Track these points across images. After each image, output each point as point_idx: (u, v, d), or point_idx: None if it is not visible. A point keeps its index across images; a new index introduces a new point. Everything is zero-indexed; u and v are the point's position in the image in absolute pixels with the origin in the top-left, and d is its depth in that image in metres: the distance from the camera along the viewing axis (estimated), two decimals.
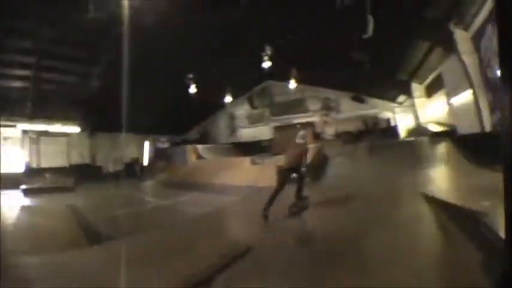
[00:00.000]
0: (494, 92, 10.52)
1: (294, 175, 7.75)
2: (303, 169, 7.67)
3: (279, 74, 21.76)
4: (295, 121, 24.91)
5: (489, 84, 10.60)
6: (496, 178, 6.97)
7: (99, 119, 20.61)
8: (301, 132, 7.95)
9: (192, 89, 19.93)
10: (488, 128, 10.85)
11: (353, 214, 6.95)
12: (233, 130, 28.17)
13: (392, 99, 23.69)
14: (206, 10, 13.28)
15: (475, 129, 11.42)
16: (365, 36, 13.18)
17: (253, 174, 12.60)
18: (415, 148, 14.87)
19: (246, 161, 14.46)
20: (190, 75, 19.70)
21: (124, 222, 8.37)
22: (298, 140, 7.85)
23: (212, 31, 15.24)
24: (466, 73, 11.58)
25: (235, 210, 9.47)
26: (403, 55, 16.85)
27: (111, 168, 22.31)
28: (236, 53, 17.98)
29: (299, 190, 7.86)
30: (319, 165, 12.58)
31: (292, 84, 22.52)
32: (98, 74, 17.74)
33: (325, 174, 12.23)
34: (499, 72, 8.44)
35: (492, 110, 10.69)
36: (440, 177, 10.05)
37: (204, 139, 26.87)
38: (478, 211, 4.57)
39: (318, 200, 8.11)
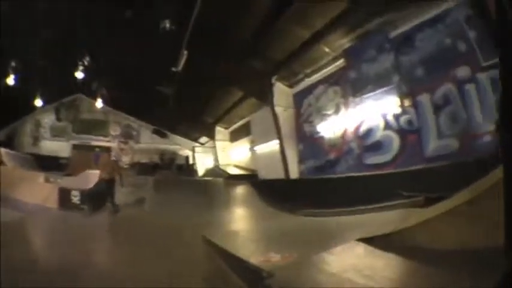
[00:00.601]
0: (305, 144, 12.05)
1: None
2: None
3: (90, 89, 19.45)
4: (95, 143, 23.02)
5: (302, 136, 11.98)
6: (295, 221, 8.08)
7: None
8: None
9: (11, 80, 15.57)
10: (294, 175, 12.04)
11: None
12: (36, 139, 23.13)
13: (195, 139, 23.89)
14: None
15: (279, 175, 12.31)
16: (174, 69, 13.25)
17: (45, 193, 11.09)
18: (208, 188, 14.85)
19: (41, 176, 12.33)
20: (13, 63, 15.32)
21: None
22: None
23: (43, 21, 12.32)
24: (276, 124, 12.52)
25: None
26: (213, 97, 17.02)
27: None
28: (62, 52, 14.85)
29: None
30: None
31: (99, 103, 20.33)
32: None
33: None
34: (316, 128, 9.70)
35: (301, 160, 12.17)
36: (231, 220, 9.98)
37: (9, 142, 20.95)
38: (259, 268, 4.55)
39: None
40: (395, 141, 8.77)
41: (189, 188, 14.77)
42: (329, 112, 10.98)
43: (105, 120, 24.36)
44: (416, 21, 8.39)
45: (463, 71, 7.39)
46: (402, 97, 8.70)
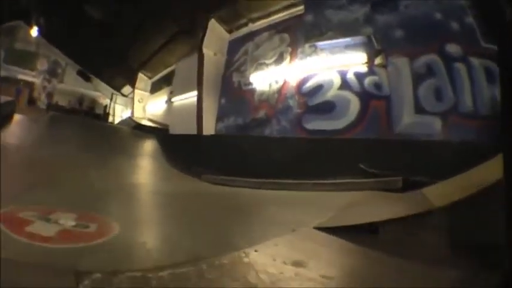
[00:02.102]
0: (229, 97, 9.06)
1: None
2: None
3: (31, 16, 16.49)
4: (21, 76, 19.70)
5: (228, 88, 9.24)
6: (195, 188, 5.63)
7: None
8: None
9: None
10: (210, 131, 9.15)
11: None
12: None
13: (117, 87, 20.64)
14: None
15: (192, 132, 9.52)
16: None
17: None
18: (111, 135, 13.25)
19: None
20: None
21: None
22: None
23: None
24: (199, 71, 9.52)
25: None
26: (142, 33, 13.90)
27: None
28: None
29: None
30: None
31: (35, 32, 17.51)
32: None
33: None
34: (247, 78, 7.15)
35: (221, 116, 9.14)
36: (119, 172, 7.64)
37: None
38: None
39: None
40: (354, 105, 6.30)
41: (88, 131, 12.94)
42: (268, 61, 8.12)
43: (35, 53, 21.05)
44: None
45: (453, 49, 5.91)
46: (372, 53, 6.20)
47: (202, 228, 3.82)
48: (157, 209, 5.20)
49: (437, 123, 5.76)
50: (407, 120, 5.93)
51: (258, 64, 8.09)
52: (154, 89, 16.56)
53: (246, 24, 8.97)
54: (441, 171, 4.21)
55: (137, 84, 17.79)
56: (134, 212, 4.72)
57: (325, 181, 5.46)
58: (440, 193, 3.57)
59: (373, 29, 6.51)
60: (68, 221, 3.25)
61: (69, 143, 8.46)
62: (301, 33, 7.27)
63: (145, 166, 8.90)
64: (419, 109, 5.94)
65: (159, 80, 15.80)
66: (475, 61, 5.89)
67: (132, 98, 18.56)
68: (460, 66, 5.90)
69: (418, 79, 6.00)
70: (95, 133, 12.66)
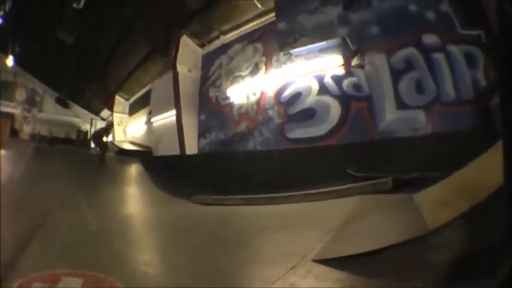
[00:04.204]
0: (208, 113, 8.59)
1: None
2: None
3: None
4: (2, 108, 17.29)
5: (206, 104, 8.79)
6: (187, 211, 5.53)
7: None
8: None
9: None
10: (192, 151, 8.63)
11: None
12: None
13: (96, 112, 19.30)
14: None
15: (176, 151, 8.94)
16: (76, 6, 10.01)
17: None
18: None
19: None
20: None
21: None
22: None
23: None
24: (175, 88, 9.03)
25: None
26: (116, 54, 13.25)
27: None
28: None
29: None
30: None
31: (10, 61, 15.93)
32: None
33: None
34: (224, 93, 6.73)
35: (202, 132, 8.62)
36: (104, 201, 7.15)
37: None
38: None
39: None
40: (334, 109, 6.00)
41: (74, 162, 12.23)
42: (243, 73, 7.72)
43: (13, 82, 19.35)
44: None
45: (430, 39, 5.70)
46: (348, 55, 5.88)
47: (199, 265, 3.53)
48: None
49: (421, 117, 5.53)
50: (390, 117, 5.77)
51: (234, 77, 7.70)
52: (133, 110, 15.83)
53: (217, 37, 8.56)
54: (432, 165, 4.00)
55: (115, 107, 16.91)
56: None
57: (315, 191, 5.11)
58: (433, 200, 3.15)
59: (348, 29, 6.33)
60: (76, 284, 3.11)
61: (57, 179, 8.07)
62: (275, 42, 6.89)
63: (134, 194, 8.54)
64: (401, 104, 5.70)
65: (136, 101, 15.23)
66: (453, 49, 5.69)
67: (112, 122, 17.44)
68: (439, 56, 5.69)
69: (397, 74, 5.77)
70: (81, 164, 12.17)
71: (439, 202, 2.96)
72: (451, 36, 5.76)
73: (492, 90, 5.18)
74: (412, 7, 5.94)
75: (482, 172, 2.83)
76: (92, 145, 18.61)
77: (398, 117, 5.63)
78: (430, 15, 5.90)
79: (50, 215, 5.28)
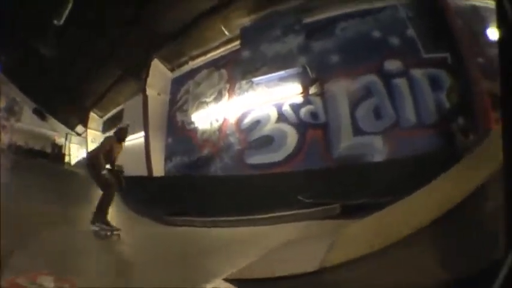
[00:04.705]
0: (175, 137, 8.64)
1: None
2: None
3: None
4: None
5: (173, 128, 8.82)
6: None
7: None
8: None
9: None
10: (159, 173, 8.64)
11: None
12: None
13: (72, 127, 18.61)
14: None
15: (144, 173, 9.00)
16: (56, 22, 9.87)
17: None
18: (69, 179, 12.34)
19: None
20: None
21: None
22: None
23: None
24: (145, 111, 9.26)
25: None
26: (92, 72, 12.56)
27: None
28: None
29: None
30: None
31: None
32: None
33: None
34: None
35: (169, 155, 8.61)
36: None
37: None
38: None
39: None
40: (291, 137, 6.13)
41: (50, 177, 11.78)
42: (208, 99, 7.85)
43: None
44: (339, 12, 6.46)
45: (393, 65, 5.81)
46: (307, 83, 6.05)
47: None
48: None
49: (377, 142, 5.63)
50: (346, 143, 5.92)
51: (199, 103, 7.78)
52: (106, 128, 15.65)
53: (186, 62, 8.65)
54: (386, 190, 4.06)
55: (89, 124, 16.46)
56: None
57: (267, 215, 5.17)
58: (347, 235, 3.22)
59: (309, 58, 6.46)
60: (49, 283, 3.55)
61: (33, 192, 8.31)
62: (238, 69, 7.03)
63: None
64: (357, 131, 5.82)
65: (109, 119, 15.04)
66: (417, 72, 5.79)
67: (86, 138, 17.23)
68: (400, 82, 5.81)
69: (355, 101, 5.92)
70: (56, 180, 11.82)
71: (350, 239, 3.01)
72: (414, 60, 5.89)
73: (455, 112, 5.31)
74: (376, 33, 6.10)
75: (403, 214, 2.90)
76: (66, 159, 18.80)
77: (354, 144, 5.76)
78: (394, 40, 6.04)
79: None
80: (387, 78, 5.84)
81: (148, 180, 8.65)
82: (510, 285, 1.67)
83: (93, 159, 6.75)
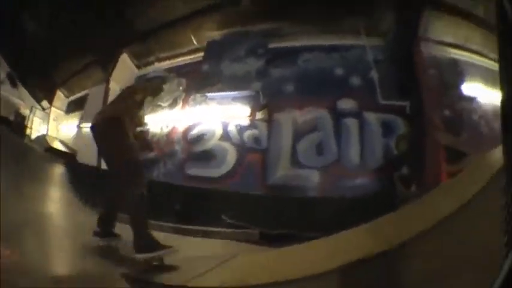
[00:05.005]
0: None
1: None
2: None
3: None
4: None
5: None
6: None
7: None
8: None
9: None
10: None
11: None
12: None
13: (38, 100, 17.51)
14: None
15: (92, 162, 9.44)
16: None
17: None
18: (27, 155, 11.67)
19: None
20: None
21: None
22: None
23: None
24: (104, 103, 9.63)
25: None
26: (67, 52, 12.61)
27: None
28: None
29: None
30: None
31: None
32: None
33: None
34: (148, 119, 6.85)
35: None
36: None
37: None
38: None
39: None
40: (231, 156, 6.34)
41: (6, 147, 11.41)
42: (164, 104, 7.66)
43: None
44: (307, 43, 6.49)
45: (347, 104, 5.80)
46: (255, 108, 6.25)
47: None
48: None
49: (314, 177, 5.68)
50: (282, 173, 5.93)
51: (155, 105, 7.83)
52: (69, 109, 15.27)
53: (153, 63, 8.71)
54: (313, 226, 4.14)
55: (54, 102, 16.01)
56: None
57: (197, 227, 5.32)
58: None
59: (265, 83, 6.51)
60: None
61: None
62: (196, 81, 7.15)
63: (54, 194, 8.15)
64: (296, 163, 5.85)
65: (73, 102, 14.68)
66: (370, 116, 5.77)
67: (49, 115, 16.69)
68: (350, 122, 5.78)
69: (300, 134, 5.95)
70: (12, 152, 11.72)
71: (244, 265, 3.21)
72: (370, 103, 5.82)
73: (401, 160, 5.41)
74: (338, 71, 6.09)
75: (316, 253, 3.06)
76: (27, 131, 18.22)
77: (291, 175, 5.83)
78: (355, 81, 5.99)
79: None
80: (338, 116, 5.83)
81: (96, 171, 8.63)
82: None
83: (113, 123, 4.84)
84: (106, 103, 8.54)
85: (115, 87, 8.75)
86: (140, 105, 6.24)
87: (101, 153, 6.47)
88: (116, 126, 4.80)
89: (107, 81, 8.90)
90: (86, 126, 10.19)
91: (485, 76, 5.10)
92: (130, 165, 4.86)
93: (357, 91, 5.95)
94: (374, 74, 5.93)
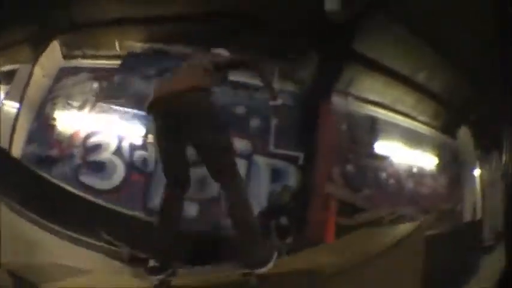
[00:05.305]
0: (39, 124, 9.04)
1: None
2: None
3: None
4: None
5: (40, 113, 8.84)
6: None
7: None
8: None
9: None
10: (18, 152, 9.12)
11: None
12: None
13: None
14: None
15: (5, 144, 9.39)
16: None
17: None
18: None
19: None
20: None
21: None
22: None
23: None
24: (25, 86, 9.56)
25: None
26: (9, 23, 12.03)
27: None
28: None
29: None
30: None
31: None
32: None
33: None
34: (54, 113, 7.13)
35: (28, 140, 8.90)
36: None
37: None
38: None
39: None
40: (119, 173, 6.90)
41: None
42: (74, 104, 8.45)
43: None
44: None
45: (240, 144, 6.16)
46: (149, 130, 7.12)
47: None
48: None
49: (191, 209, 5.82)
50: (159, 199, 6.07)
51: (66, 103, 7.94)
52: None
53: (78, 58, 8.75)
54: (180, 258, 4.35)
55: None
56: None
57: (81, 236, 5.54)
58: None
59: None
60: None
61: None
62: (106, 90, 7.32)
63: None
64: None
65: (3, 73, 13.98)
66: (260, 159, 5.79)
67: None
68: (239, 162, 5.86)
69: None
70: None
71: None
72: (262, 149, 6.00)
73: (280, 210, 5.55)
74: (240, 109, 6.17)
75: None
76: None
77: None
78: (254, 123, 6.08)
79: None
80: None
81: (5, 158, 8.58)
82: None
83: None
84: (27, 86, 8.56)
85: (38, 73, 8.75)
86: None
87: None
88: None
89: (32, 65, 8.85)
90: (9, 107, 10.09)
91: (408, 137, 5.58)
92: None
93: (252, 133, 6.18)
94: (273, 120, 6.23)
